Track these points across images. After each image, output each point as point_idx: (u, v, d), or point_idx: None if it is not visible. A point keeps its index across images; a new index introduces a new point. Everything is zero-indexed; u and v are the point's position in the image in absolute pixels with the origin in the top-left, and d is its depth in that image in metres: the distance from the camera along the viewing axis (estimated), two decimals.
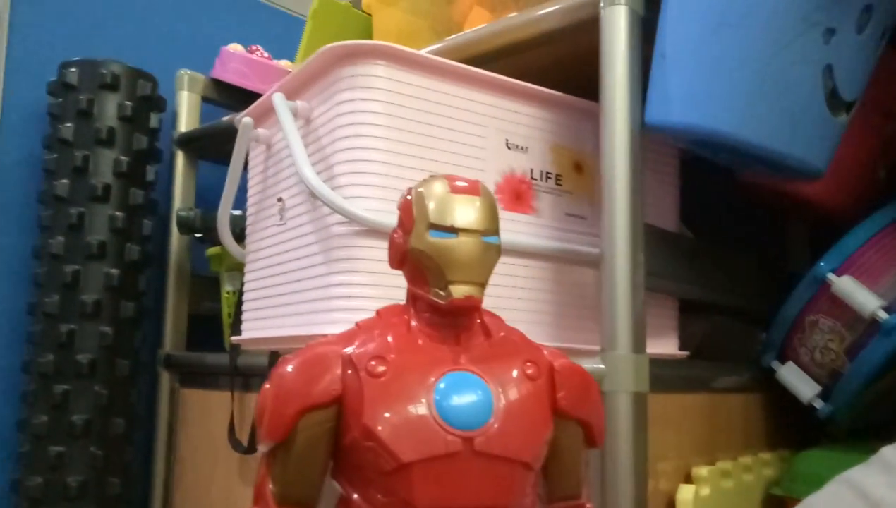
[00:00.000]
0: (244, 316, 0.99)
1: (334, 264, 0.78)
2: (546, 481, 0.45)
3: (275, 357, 1.07)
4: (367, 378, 0.42)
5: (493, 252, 0.44)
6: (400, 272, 0.76)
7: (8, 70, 1.25)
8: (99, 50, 1.30)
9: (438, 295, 0.43)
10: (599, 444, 0.46)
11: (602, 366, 0.70)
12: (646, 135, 0.75)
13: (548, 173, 0.85)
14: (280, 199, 0.91)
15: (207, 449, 1.25)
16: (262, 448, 0.44)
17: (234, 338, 1.02)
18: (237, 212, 1.10)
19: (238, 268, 1.32)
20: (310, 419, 0.42)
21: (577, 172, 0.87)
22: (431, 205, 0.43)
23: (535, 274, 0.82)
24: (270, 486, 0.43)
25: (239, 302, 1.23)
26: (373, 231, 0.75)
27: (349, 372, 0.43)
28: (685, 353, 0.89)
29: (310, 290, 0.82)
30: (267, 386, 0.44)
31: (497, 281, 0.79)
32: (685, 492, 0.75)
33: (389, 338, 0.44)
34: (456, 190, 0.44)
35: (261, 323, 0.94)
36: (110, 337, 1.20)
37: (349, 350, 0.44)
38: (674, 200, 0.92)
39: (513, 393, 0.42)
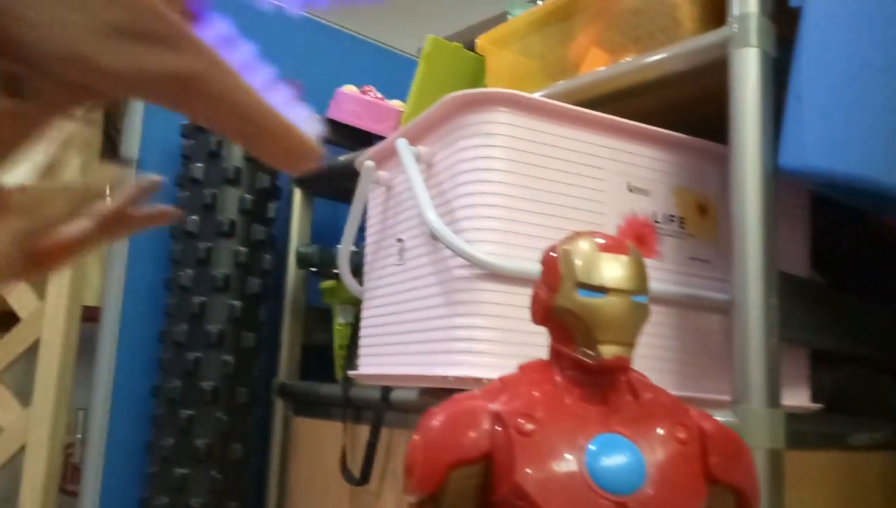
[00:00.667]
0: (361, 352, 1.01)
1: (455, 306, 0.79)
2: None
3: (387, 390, 1.09)
4: (516, 435, 0.42)
5: (643, 311, 0.44)
6: (519, 316, 0.77)
7: (147, 114, 1.33)
8: None
9: (587, 354, 0.43)
10: None
11: (734, 420, 0.68)
12: (778, 177, 0.73)
13: (671, 216, 0.84)
14: (400, 240, 0.93)
15: (319, 478, 1.27)
16: (411, 499, 0.45)
17: (351, 373, 1.05)
18: (354, 249, 1.13)
19: (350, 302, 1.36)
20: (459, 473, 0.43)
21: (701, 215, 0.86)
22: (579, 263, 0.44)
23: (658, 319, 0.81)
24: None
25: (352, 335, 1.27)
26: (494, 275, 0.76)
27: (497, 428, 0.43)
28: (819, 406, 0.85)
29: (429, 331, 0.83)
30: (416, 437, 0.45)
31: None
32: None
33: (536, 395, 0.44)
34: (603, 248, 0.44)
35: (377, 359, 0.96)
36: (232, 366, 1.26)
37: (496, 405, 0.44)
38: (805, 244, 0.89)
39: (665, 458, 0.42)
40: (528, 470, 0.41)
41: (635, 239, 0.81)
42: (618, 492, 0.40)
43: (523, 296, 0.78)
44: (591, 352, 0.43)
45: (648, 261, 0.82)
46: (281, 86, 0.30)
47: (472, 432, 0.43)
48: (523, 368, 0.47)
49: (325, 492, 1.25)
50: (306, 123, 0.30)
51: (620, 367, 0.43)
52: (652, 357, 0.80)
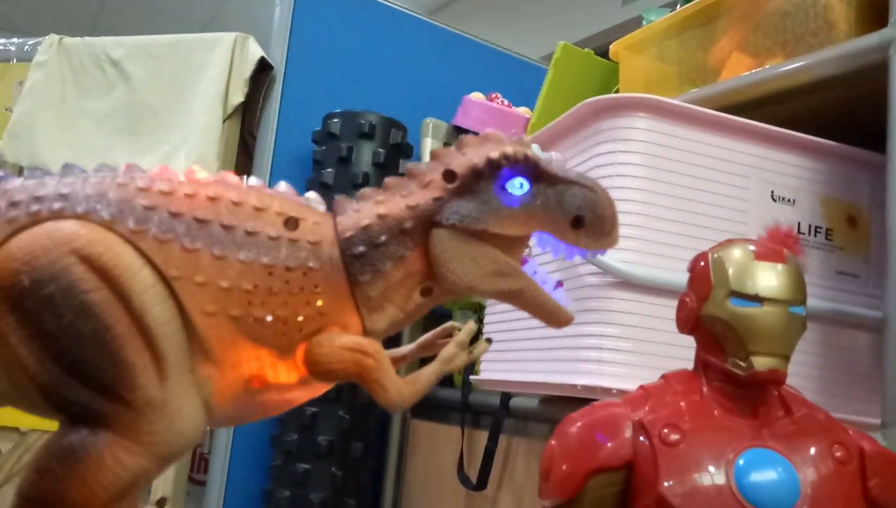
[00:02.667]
0: (484, 357, 1.01)
1: (586, 314, 0.78)
2: None
3: (507, 397, 1.09)
4: (660, 445, 0.41)
5: (800, 323, 0.42)
6: (650, 326, 0.75)
7: (281, 122, 1.39)
8: (357, 101, 1.42)
9: (738, 365, 0.41)
10: None
11: (884, 444, 0.63)
12: None
13: (817, 227, 0.79)
14: (528, 246, 0.93)
15: (435, 481, 1.29)
16: (547, 504, 0.44)
17: (473, 378, 1.05)
18: None
19: (470, 307, 1.37)
20: (598, 480, 0.42)
21: (851, 227, 0.81)
22: (732, 271, 0.42)
23: (803, 336, 0.77)
24: None
25: (471, 341, 1.27)
26: (626, 283, 0.75)
27: (640, 437, 0.42)
28: None
29: (556, 338, 0.82)
30: (553, 442, 0.45)
31: None
32: None
33: (682, 405, 0.43)
34: (759, 255, 0.42)
35: (500, 364, 0.96)
36: None
37: (639, 414, 0.43)
38: None
39: (821, 476, 0.40)
40: (673, 482, 0.40)
41: None
42: None
43: (657, 306, 0.76)
44: (743, 364, 0.41)
45: None
46: (547, 278, 0.49)
47: (613, 439, 0.42)
48: (667, 377, 0.46)
49: (440, 495, 1.26)
50: (561, 297, 0.49)
51: (775, 381, 0.41)
52: (794, 374, 0.76)
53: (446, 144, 1.48)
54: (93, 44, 1.47)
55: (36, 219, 0.42)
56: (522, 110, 1.40)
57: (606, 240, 0.47)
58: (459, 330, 1.36)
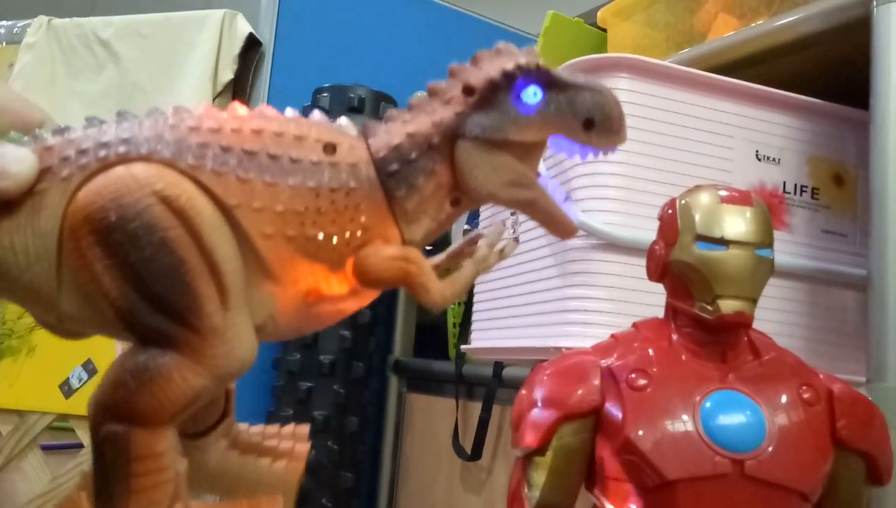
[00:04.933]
0: (474, 326, 1.02)
1: (570, 278, 0.77)
2: None
3: (499, 367, 1.09)
4: (627, 390, 0.41)
5: (767, 266, 0.41)
6: (635, 288, 0.75)
7: (271, 98, 1.39)
8: (347, 75, 1.41)
9: (705, 309, 0.41)
10: (886, 482, 0.42)
11: (870, 399, 0.63)
12: None
13: (803, 186, 0.79)
14: (513, 213, 0.92)
15: (431, 453, 1.29)
16: (518, 453, 0.44)
17: (464, 347, 1.05)
18: (467, 227, 1.14)
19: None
20: (567, 428, 0.42)
21: (837, 186, 0.80)
22: (699, 216, 0.42)
23: (787, 295, 0.77)
24: (526, 491, 0.43)
25: (465, 313, 1.27)
26: (610, 245, 0.74)
27: (608, 385, 0.42)
28: None
29: (542, 303, 0.82)
30: (523, 391, 0.45)
31: None
32: None
33: (650, 352, 0.43)
34: (726, 199, 0.42)
35: (490, 333, 0.96)
36: (349, 341, 1.29)
37: (608, 361, 0.43)
38: None
39: (788, 418, 0.40)
40: (640, 426, 0.40)
41: None
42: (735, 450, 0.38)
43: (641, 268, 0.76)
44: (710, 308, 0.41)
45: (777, 234, 0.78)
46: (559, 190, 0.51)
47: (582, 387, 0.42)
48: (638, 325, 0.46)
49: (437, 466, 1.27)
50: (571, 211, 0.51)
51: (741, 323, 0.41)
52: (781, 334, 0.75)
53: None
54: (81, 24, 1.46)
55: (105, 164, 0.47)
56: None
57: (616, 138, 0.50)
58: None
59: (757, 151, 0.78)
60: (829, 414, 0.41)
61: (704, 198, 0.42)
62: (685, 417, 0.39)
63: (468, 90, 0.49)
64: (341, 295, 0.51)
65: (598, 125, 0.48)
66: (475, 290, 1.03)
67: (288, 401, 1.30)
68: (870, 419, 0.42)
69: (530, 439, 0.42)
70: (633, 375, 0.41)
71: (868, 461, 0.41)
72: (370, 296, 0.52)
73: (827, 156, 0.80)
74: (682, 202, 0.43)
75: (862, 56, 0.70)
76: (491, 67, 0.50)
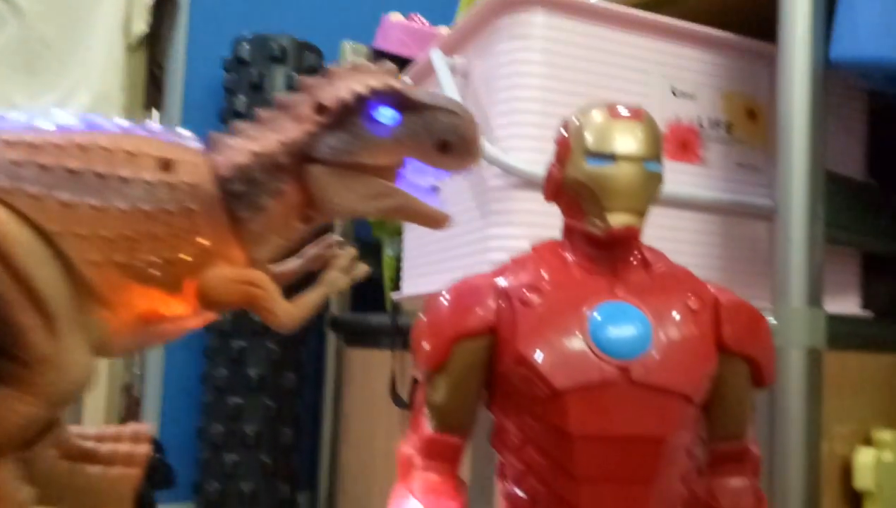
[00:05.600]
0: (404, 274, 1.02)
1: (491, 217, 0.78)
2: (708, 419, 0.43)
3: None
4: (520, 307, 0.41)
5: (655, 180, 0.42)
6: (555, 226, 0.75)
7: (189, 50, 1.34)
8: (270, 25, 1.37)
9: (595, 224, 0.41)
10: (767, 383, 0.43)
11: (773, 320, 0.65)
12: (829, 74, 0.68)
13: (717, 121, 0.80)
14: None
15: (371, 405, 1.30)
16: (418, 374, 0.45)
17: (395, 294, 1.05)
18: None
19: (399, 234, 1.36)
20: (464, 347, 0.42)
21: (751, 120, 0.81)
22: (589, 132, 0.42)
23: (702, 227, 0.78)
24: (426, 411, 0.43)
25: (399, 266, 1.27)
26: (530, 183, 0.75)
27: (502, 303, 0.42)
28: (868, 313, 0.81)
29: (466, 245, 0.82)
30: (421, 316, 0.45)
31: (661, 234, 0.76)
32: (864, 455, 0.69)
33: (543, 271, 0.43)
34: (615, 115, 0.42)
35: (418, 279, 0.96)
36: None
37: (502, 282, 0.43)
38: (860, 148, 0.84)
39: (673, 325, 0.40)
40: (532, 340, 0.40)
41: (679, 145, 0.78)
42: (622, 357, 0.39)
43: (556, 206, 0.77)
44: (599, 222, 0.41)
45: (692, 167, 0.79)
46: (419, 184, 0.50)
47: (476, 306, 0.42)
48: (535, 247, 0.46)
49: (377, 418, 1.28)
50: (436, 200, 0.51)
51: (629, 236, 0.41)
52: (694, 265, 0.77)
53: None
54: None
55: None
56: (443, 29, 1.38)
57: (470, 159, 0.49)
58: (390, 257, 1.38)
59: (673, 87, 0.79)
60: (715, 321, 0.42)
61: (595, 115, 0.42)
62: (574, 329, 0.40)
63: (320, 109, 0.47)
64: (182, 315, 0.49)
65: (453, 147, 0.47)
66: (404, 239, 1.03)
67: (221, 362, 1.28)
68: (754, 324, 0.43)
69: (428, 358, 0.43)
70: (526, 292, 0.41)
71: (752, 365, 0.43)
72: (212, 316, 0.51)
73: (741, 90, 0.82)
74: (574, 120, 0.43)
75: None
76: (344, 87, 0.47)
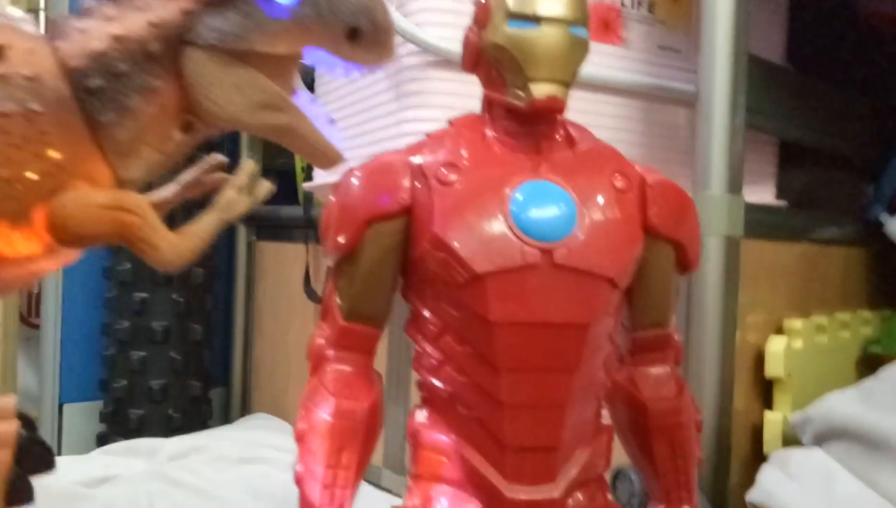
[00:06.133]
0: None
1: (405, 99, 0.73)
2: (631, 306, 0.42)
3: None
4: (437, 186, 0.38)
5: (581, 46, 0.39)
6: (471, 106, 0.72)
7: None
8: None
9: (517, 95, 0.38)
10: (693, 268, 0.42)
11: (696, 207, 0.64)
12: None
13: (639, 0, 0.77)
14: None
15: (284, 299, 1.27)
16: (329, 261, 0.41)
17: (306, 184, 1.00)
18: None
19: None
20: (377, 229, 0.39)
21: (674, 0, 0.79)
22: None
23: (622, 112, 0.76)
24: (338, 300, 0.41)
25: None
26: (446, 62, 0.70)
27: (418, 182, 0.39)
28: (783, 202, 0.83)
29: (381, 129, 0.78)
30: (332, 198, 0.41)
31: (580, 119, 0.74)
32: (776, 344, 0.71)
33: (462, 148, 0.40)
34: None
35: None
36: None
37: (418, 159, 0.40)
38: (781, 32, 0.83)
39: (598, 205, 0.38)
40: (449, 221, 0.37)
41: (599, 23, 0.75)
42: (544, 239, 0.37)
43: (475, 86, 0.73)
44: (521, 94, 0.38)
45: (613, 49, 0.76)
46: (320, 112, 0.44)
47: (389, 186, 0.39)
48: (453, 122, 0.43)
49: (291, 313, 1.25)
50: (334, 135, 0.44)
51: (553, 108, 0.39)
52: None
53: None
54: None
55: None
56: None
57: (384, 52, 0.42)
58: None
59: None
60: (641, 202, 0.40)
61: None
62: (495, 210, 0.37)
63: None
64: (31, 255, 0.39)
65: (364, 35, 0.40)
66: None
67: (125, 256, 1.21)
68: (681, 207, 0.41)
69: (339, 242, 0.39)
70: (443, 170, 0.38)
71: (677, 248, 0.41)
72: (73, 254, 0.42)
73: None
74: None
75: None
76: None
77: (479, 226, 0.37)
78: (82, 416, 1.27)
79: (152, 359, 1.20)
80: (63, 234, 0.39)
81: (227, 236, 1.38)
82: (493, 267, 0.36)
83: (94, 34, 0.39)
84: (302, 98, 0.43)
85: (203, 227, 0.43)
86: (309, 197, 1.16)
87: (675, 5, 0.79)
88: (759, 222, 0.70)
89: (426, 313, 0.40)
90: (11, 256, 0.39)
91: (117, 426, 1.19)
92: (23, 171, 0.37)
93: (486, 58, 0.40)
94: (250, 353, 1.37)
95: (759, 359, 0.72)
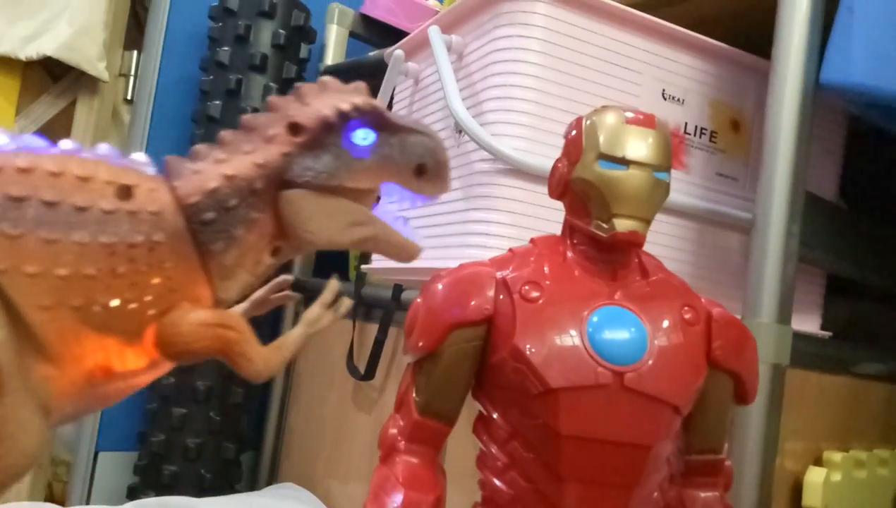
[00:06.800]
0: None
1: (474, 200, 0.78)
2: (688, 431, 0.44)
3: (399, 290, 1.10)
4: (520, 301, 0.42)
5: (663, 189, 0.43)
6: (537, 215, 0.76)
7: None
8: None
9: (601, 227, 0.42)
10: (750, 401, 0.45)
11: None
12: (817, 95, 0.70)
13: (703, 129, 0.81)
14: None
15: (325, 371, 1.29)
16: (410, 358, 0.45)
17: (364, 267, 1.05)
18: None
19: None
20: (459, 335, 0.42)
21: (734, 131, 0.83)
22: (603, 135, 0.42)
23: (677, 232, 0.80)
24: (414, 395, 0.44)
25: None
26: (516, 171, 0.75)
27: (501, 295, 0.43)
28: (827, 333, 0.84)
29: (445, 225, 0.82)
30: (419, 300, 0.45)
31: None
32: (815, 475, 0.72)
33: (545, 266, 0.43)
34: (631, 121, 0.42)
35: None
36: None
37: (503, 273, 0.43)
38: (835, 169, 0.87)
39: (668, 335, 0.41)
40: (529, 335, 0.41)
41: None
42: (618, 362, 0.40)
43: (544, 195, 0.77)
44: (605, 225, 0.42)
45: (675, 173, 0.80)
46: (395, 216, 0.49)
47: (476, 295, 0.43)
48: (535, 241, 0.46)
49: (329, 385, 1.28)
50: (412, 235, 0.49)
51: (634, 242, 0.42)
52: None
53: (352, 33, 1.43)
54: None
55: None
56: (432, 2, 1.37)
57: (444, 185, 0.48)
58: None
59: (664, 90, 0.80)
60: (707, 335, 0.43)
61: (610, 118, 0.43)
62: (572, 330, 0.41)
63: (295, 128, 0.44)
64: (136, 369, 0.43)
65: (429, 172, 0.46)
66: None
67: None
68: (743, 342, 0.44)
69: (422, 343, 0.43)
70: (527, 287, 0.42)
71: (736, 381, 0.44)
72: (169, 366, 0.45)
73: (727, 101, 0.83)
74: (588, 121, 0.44)
75: (769, 6, 0.72)
76: (321, 105, 0.45)
77: (557, 343, 0.40)
78: (116, 466, 1.30)
79: (192, 417, 1.23)
80: (171, 350, 0.42)
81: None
82: (566, 383, 0.40)
83: (207, 174, 0.44)
84: (380, 209, 0.48)
85: (291, 341, 0.48)
86: (362, 276, 1.20)
87: (735, 136, 0.83)
88: (804, 352, 0.72)
89: (495, 416, 0.43)
90: (120, 371, 0.42)
91: (150, 479, 1.22)
92: (144, 295, 0.41)
93: (573, 189, 0.44)
94: (284, 421, 1.40)
95: (797, 489, 0.73)
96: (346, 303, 0.52)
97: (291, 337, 0.48)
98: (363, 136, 0.45)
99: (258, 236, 0.45)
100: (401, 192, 0.47)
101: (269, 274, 0.48)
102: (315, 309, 0.50)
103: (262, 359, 0.45)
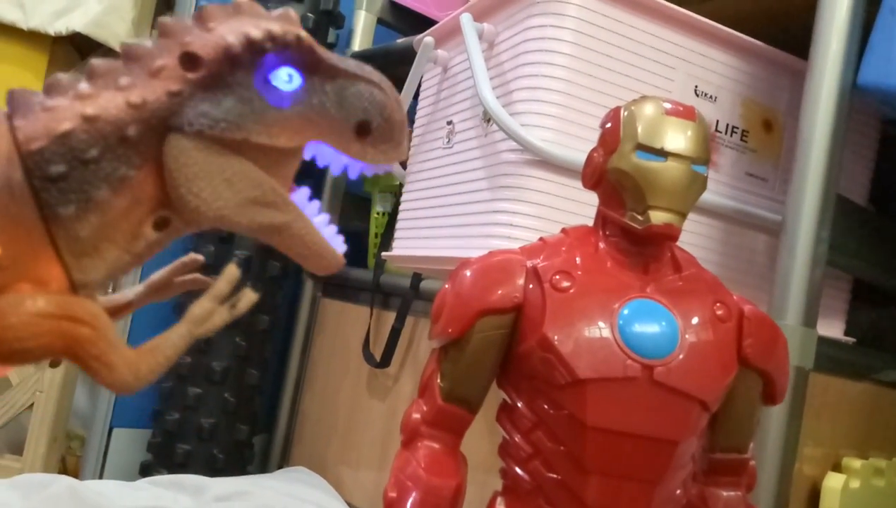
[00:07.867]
0: (397, 234, 1.01)
1: (500, 191, 0.77)
2: (714, 429, 0.44)
3: (417, 278, 1.09)
4: (550, 290, 0.41)
5: (700, 183, 0.42)
6: (563, 208, 0.75)
7: None
8: None
9: (635, 218, 0.41)
10: (778, 401, 0.44)
11: None
12: (854, 97, 0.69)
13: (734, 127, 0.80)
14: (450, 122, 0.91)
15: (340, 358, 1.30)
16: (435, 343, 0.44)
17: (385, 254, 1.04)
18: None
19: (390, 190, 1.35)
20: (487, 322, 0.42)
21: (766, 131, 0.82)
22: (641, 125, 0.42)
23: (703, 230, 0.79)
24: (439, 381, 0.43)
25: (389, 223, 1.26)
26: (544, 162, 0.74)
27: (531, 284, 0.42)
28: (851, 339, 0.83)
29: (470, 215, 0.82)
30: (447, 286, 0.44)
31: None
32: (833, 480, 0.71)
33: (576, 256, 0.43)
34: (670, 112, 0.42)
35: (412, 241, 0.96)
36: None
37: (534, 261, 0.43)
38: (866, 173, 0.86)
39: (699, 331, 0.41)
40: (559, 325, 0.40)
41: None
42: (647, 356, 0.39)
43: (571, 188, 0.77)
44: (640, 217, 0.41)
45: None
46: (320, 210, 0.39)
47: (504, 283, 0.42)
48: (566, 231, 0.46)
49: (344, 371, 1.28)
50: (335, 240, 0.39)
51: (669, 236, 0.42)
52: None
53: (380, 20, 1.43)
54: None
55: None
56: None
57: (395, 151, 0.37)
58: (379, 213, 1.34)
59: (696, 87, 0.79)
60: (738, 332, 0.42)
61: (649, 108, 0.42)
62: (602, 322, 0.40)
63: (190, 60, 0.34)
64: None
65: (375, 131, 0.36)
66: (403, 198, 1.02)
67: (196, 295, 1.27)
68: (774, 341, 0.44)
69: (450, 328, 0.43)
70: (558, 276, 0.42)
71: (766, 380, 0.43)
72: (7, 368, 0.35)
73: (761, 100, 0.82)
74: (626, 111, 0.43)
75: (808, 5, 0.71)
76: (228, 31, 0.34)
77: (586, 334, 0.40)
78: (130, 442, 1.31)
79: (207, 397, 1.23)
80: None
81: (293, 287, 1.43)
82: (595, 375, 0.39)
83: (62, 112, 0.33)
84: (300, 194, 0.38)
85: (169, 344, 0.37)
86: (381, 263, 1.20)
87: (767, 136, 0.82)
88: (828, 357, 0.72)
89: (520, 405, 0.43)
90: None
91: (163, 458, 1.22)
92: None
93: (608, 179, 0.43)
94: (298, 405, 1.40)
95: (814, 494, 0.72)
96: (248, 298, 0.39)
97: (171, 337, 0.37)
98: (286, 78, 0.34)
99: (130, 201, 0.34)
100: (334, 156, 0.37)
101: (156, 252, 0.37)
102: (204, 304, 0.38)
103: (126, 365, 0.34)
